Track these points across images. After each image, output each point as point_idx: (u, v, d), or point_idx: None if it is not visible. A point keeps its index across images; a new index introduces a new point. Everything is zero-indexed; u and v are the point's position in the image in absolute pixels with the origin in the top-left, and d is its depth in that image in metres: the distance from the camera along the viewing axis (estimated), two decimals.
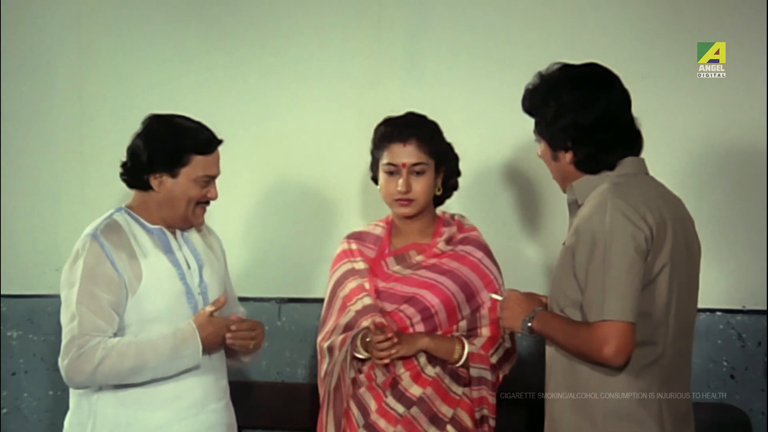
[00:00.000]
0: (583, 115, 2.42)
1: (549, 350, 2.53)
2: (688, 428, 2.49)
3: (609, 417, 2.38)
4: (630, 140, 2.48)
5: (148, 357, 2.64)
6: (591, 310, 2.34)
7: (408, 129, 2.91)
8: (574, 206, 2.52)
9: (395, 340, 2.79)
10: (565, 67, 2.51)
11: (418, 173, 2.90)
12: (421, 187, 2.91)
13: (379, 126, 2.99)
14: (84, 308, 2.63)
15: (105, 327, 2.64)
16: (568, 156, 2.47)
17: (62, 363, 2.66)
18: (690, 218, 2.52)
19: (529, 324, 2.49)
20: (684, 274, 2.43)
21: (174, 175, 2.71)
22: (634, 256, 2.32)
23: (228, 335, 2.72)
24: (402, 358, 2.83)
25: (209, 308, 2.73)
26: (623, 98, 2.48)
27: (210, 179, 2.76)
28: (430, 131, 2.94)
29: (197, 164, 2.72)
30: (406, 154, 2.90)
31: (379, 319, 2.85)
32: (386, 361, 2.81)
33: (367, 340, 2.84)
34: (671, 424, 2.41)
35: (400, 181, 2.89)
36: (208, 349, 2.72)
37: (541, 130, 2.52)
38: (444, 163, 2.96)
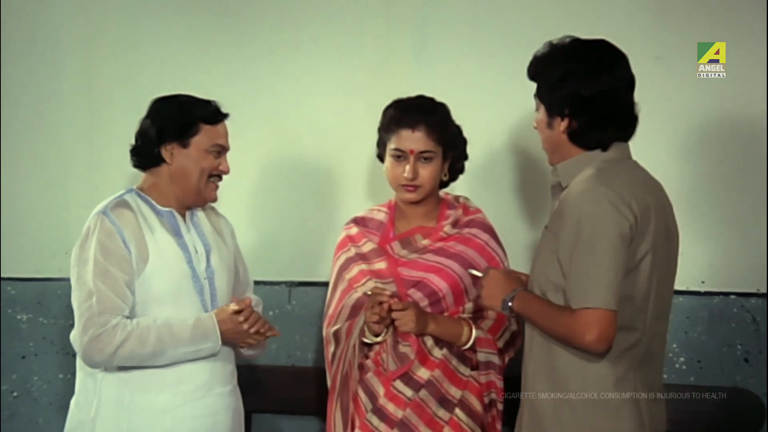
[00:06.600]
0: (585, 85, 2.42)
1: (528, 333, 2.54)
2: (660, 409, 2.51)
3: (588, 402, 2.39)
4: (625, 123, 2.48)
5: (167, 344, 2.65)
6: (574, 297, 2.34)
7: (417, 115, 2.87)
8: (557, 189, 2.53)
9: (393, 301, 2.75)
10: (576, 40, 2.51)
11: (426, 159, 2.87)
12: (428, 173, 2.88)
13: (388, 108, 2.95)
14: (101, 285, 2.62)
15: (122, 306, 2.64)
16: (562, 124, 2.47)
17: (81, 340, 2.63)
18: (670, 204, 2.51)
19: (510, 304, 2.49)
20: (663, 260, 2.44)
21: (185, 146, 2.72)
22: (619, 244, 2.33)
23: (243, 323, 2.70)
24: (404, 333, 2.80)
25: (233, 306, 2.72)
26: (627, 79, 2.48)
27: (221, 150, 2.77)
28: (439, 117, 2.90)
29: (206, 133, 2.73)
30: (414, 140, 2.86)
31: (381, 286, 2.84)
32: (376, 320, 2.76)
33: (368, 293, 2.82)
34: (646, 406, 2.43)
35: (407, 167, 2.86)
36: (225, 343, 2.73)
37: (541, 94, 2.51)
38: (452, 149, 2.93)
